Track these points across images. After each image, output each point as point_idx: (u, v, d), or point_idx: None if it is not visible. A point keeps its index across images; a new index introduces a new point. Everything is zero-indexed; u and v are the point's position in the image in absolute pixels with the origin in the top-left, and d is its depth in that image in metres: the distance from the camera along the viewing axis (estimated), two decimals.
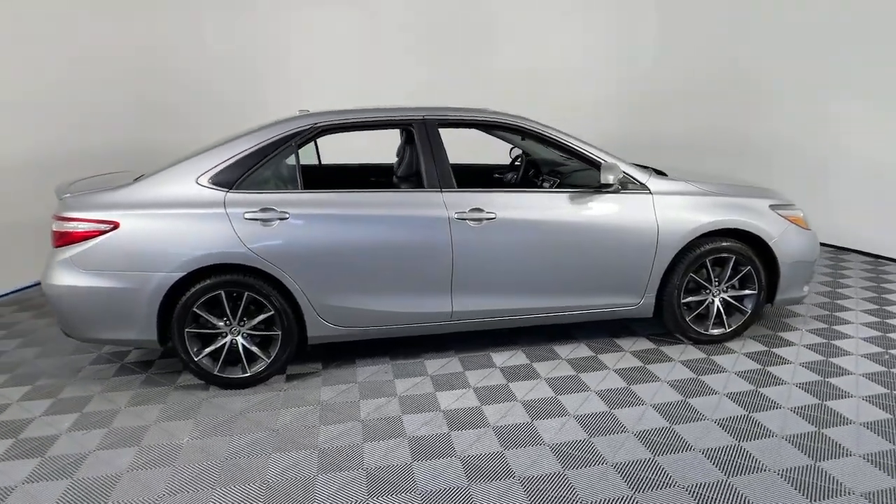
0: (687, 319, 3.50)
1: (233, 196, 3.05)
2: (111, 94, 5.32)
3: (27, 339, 3.96)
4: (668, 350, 3.52)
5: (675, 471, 2.37)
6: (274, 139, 3.16)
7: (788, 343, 3.56)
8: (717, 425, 2.69)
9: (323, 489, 2.32)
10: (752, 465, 2.40)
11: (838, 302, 4.23)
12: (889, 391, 2.94)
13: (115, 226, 2.95)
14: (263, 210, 3.03)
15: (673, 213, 3.36)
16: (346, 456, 2.53)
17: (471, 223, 3.17)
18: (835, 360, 3.31)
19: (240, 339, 3.14)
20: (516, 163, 4.46)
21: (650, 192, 3.38)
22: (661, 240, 3.34)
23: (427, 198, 3.19)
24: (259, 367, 3.16)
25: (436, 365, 3.40)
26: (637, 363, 3.36)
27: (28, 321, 4.28)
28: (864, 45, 5.23)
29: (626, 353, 3.49)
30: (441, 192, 3.20)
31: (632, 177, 3.38)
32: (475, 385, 3.15)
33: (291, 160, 3.18)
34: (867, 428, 2.63)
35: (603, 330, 3.81)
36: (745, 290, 3.54)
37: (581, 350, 3.55)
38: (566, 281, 3.34)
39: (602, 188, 3.28)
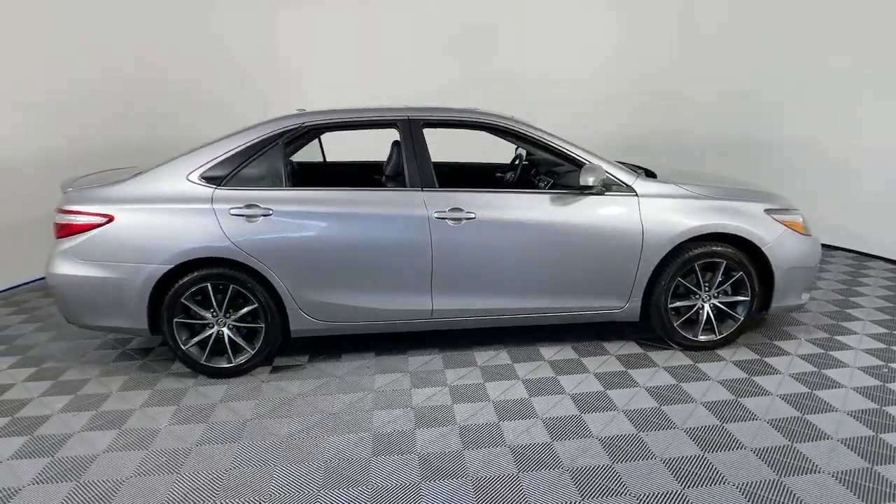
0: (675, 324, 3.43)
1: (221, 192, 3.16)
2: (126, 95, 5.56)
3: (44, 323, 4.21)
4: (655, 355, 3.45)
5: (630, 479, 2.34)
6: (262, 138, 3.25)
7: (783, 352, 3.44)
8: (686, 435, 2.64)
9: (281, 480, 2.39)
10: (714, 477, 2.34)
11: (848, 311, 4.05)
12: (878, 406, 2.81)
13: (110, 219, 3.11)
14: (248, 206, 3.13)
15: (659, 216, 3.29)
16: (308, 449, 2.61)
17: (450, 223, 3.19)
18: (828, 372, 3.18)
19: (226, 331, 3.26)
20: (516, 162, 4.43)
21: (636, 195, 3.31)
22: (647, 243, 3.28)
23: (408, 197, 3.22)
24: (243, 358, 3.28)
25: (418, 361, 3.44)
26: (619, 367, 3.31)
27: (48, 307, 4.55)
28: (887, 43, 4.96)
29: (610, 357, 3.45)
30: (422, 191, 3.23)
31: (617, 178, 3.32)
32: (452, 383, 3.18)
33: (279, 158, 3.26)
34: (844, 445, 2.53)
35: (592, 333, 3.77)
36: (737, 296, 3.44)
37: (566, 352, 3.52)
38: (547, 282, 3.32)
39: (584, 190, 3.24)
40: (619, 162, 4.15)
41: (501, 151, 4.73)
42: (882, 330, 3.71)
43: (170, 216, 3.12)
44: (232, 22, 6.13)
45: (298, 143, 3.49)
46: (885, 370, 3.18)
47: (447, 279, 3.26)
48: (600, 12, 6.70)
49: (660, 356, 3.44)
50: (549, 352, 3.53)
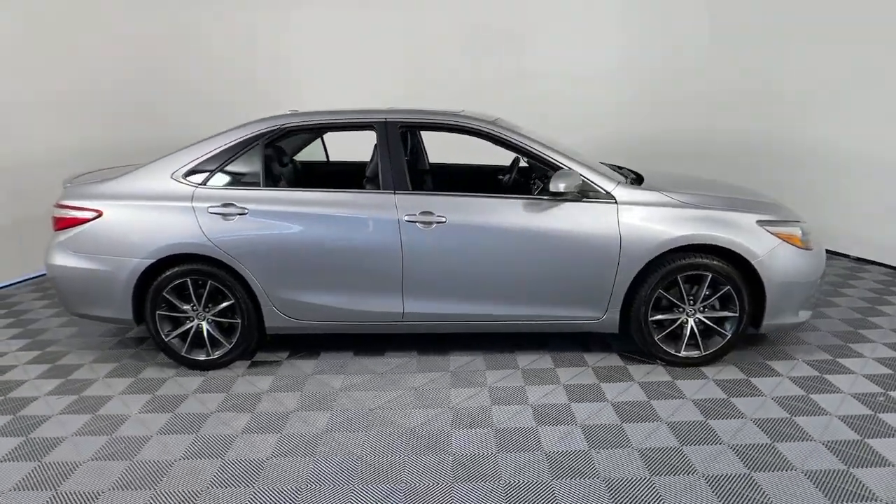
0: (656, 338, 3.29)
1: (201, 191, 3.27)
2: (124, 95, 5.81)
3: (62, 310, 4.49)
4: (634, 369, 3.32)
5: (565, 498, 2.27)
6: (242, 139, 3.34)
7: (773, 373, 3.23)
8: (640, 455, 2.53)
9: (229, 472, 2.47)
10: (655, 502, 2.23)
11: (862, 331, 3.75)
12: (859, 438, 2.60)
13: (100, 214, 3.28)
14: (225, 205, 3.23)
15: (639, 224, 3.16)
16: (257, 445, 2.67)
17: (420, 226, 3.18)
18: (816, 397, 2.96)
19: (204, 325, 3.38)
20: (515, 165, 4.36)
21: (615, 202, 3.19)
22: (624, 253, 3.15)
23: (380, 199, 3.23)
24: (220, 352, 3.39)
25: (393, 363, 3.45)
26: (593, 380, 3.20)
27: None
28: (889, 45, 4.58)
29: (587, 369, 3.34)
30: (394, 193, 3.23)
31: (596, 185, 3.21)
32: (416, 386, 3.17)
33: (258, 159, 3.34)
34: (808, 478, 2.35)
35: (576, 343, 3.66)
36: (725, 311, 3.26)
37: (542, 361, 3.44)
38: (521, 290, 3.25)
39: (555, 196, 3.16)
40: (614, 166, 4.04)
41: (505, 154, 4.67)
42: (894, 354, 3.42)
43: (153, 213, 3.26)
44: (245, 22, 6.32)
45: (278, 144, 3.55)
46: (882, 398, 2.93)
47: (418, 283, 3.25)
48: (618, 9, 6.49)
49: (639, 370, 3.31)
50: (526, 360, 3.46)
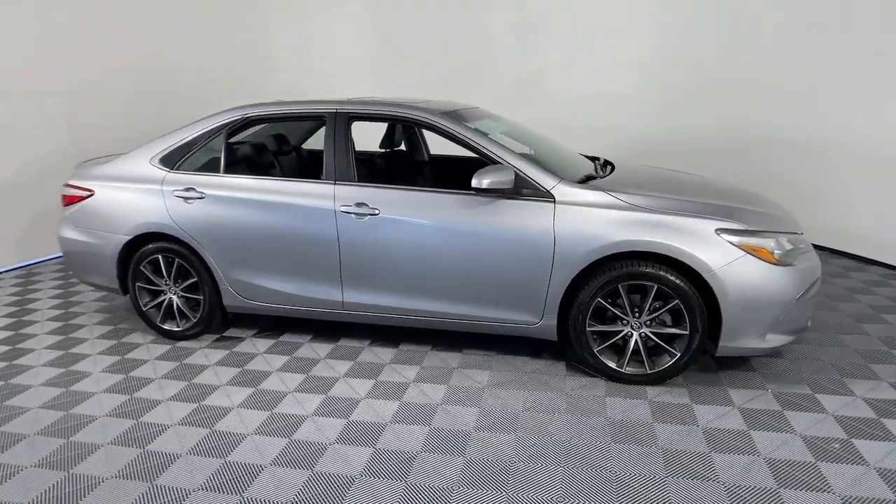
0: (594, 349, 3.05)
1: (171, 176, 3.56)
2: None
3: None
4: (572, 380, 3.10)
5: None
6: (210, 128, 3.57)
7: (724, 402, 2.86)
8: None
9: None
10: None
11: (875, 366, 3.18)
12: (776, 487, 2.24)
13: (92, 193, 3.69)
14: (187, 189, 3.49)
15: (576, 226, 2.93)
16: (170, 413, 2.89)
17: (354, 217, 3.21)
18: (757, 434, 2.58)
19: (175, 298, 3.68)
20: None
21: (553, 201, 2.98)
22: (559, 256, 2.95)
23: (321, 189, 3.30)
24: (188, 324, 3.68)
25: (325, 349, 3.52)
26: (508, 390, 3.03)
27: None
28: None
29: (523, 373, 3.19)
30: (335, 184, 3.29)
31: (534, 181, 3.02)
32: (311, 373, 3.23)
33: (220, 147, 3.54)
34: None
35: (527, 348, 3.49)
36: (677, 328, 2.93)
37: (473, 360, 3.33)
38: (454, 287, 3.17)
39: (492, 192, 3.01)
40: (592, 157, 3.81)
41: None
42: (892, 396, 2.87)
43: (132, 194, 3.60)
44: (243, 18, 6.63)
45: (241, 132, 3.70)
46: (836, 446, 2.49)
47: (355, 273, 3.29)
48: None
49: (573, 382, 3.09)
50: (456, 360, 3.36)
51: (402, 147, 4.56)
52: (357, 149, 3.31)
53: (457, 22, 6.69)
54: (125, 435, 2.69)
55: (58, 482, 2.38)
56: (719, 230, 2.82)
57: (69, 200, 3.79)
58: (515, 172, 3.00)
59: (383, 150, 4.33)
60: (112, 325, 4.00)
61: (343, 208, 3.22)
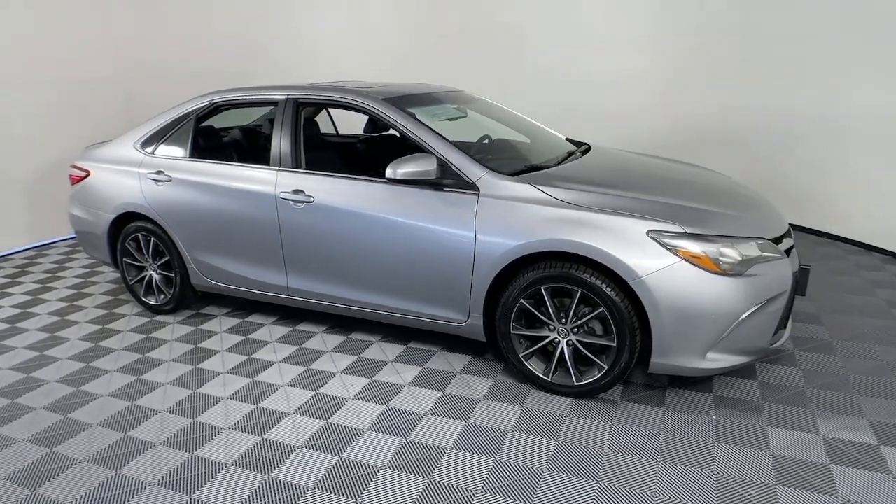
0: (519, 355, 2.83)
1: (148, 159, 3.75)
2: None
3: None
4: (494, 384, 2.91)
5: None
6: (182, 114, 3.72)
7: (645, 422, 2.54)
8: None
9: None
10: None
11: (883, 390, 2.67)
12: None
13: (88, 174, 3.99)
14: (157, 172, 3.66)
15: (498, 222, 2.71)
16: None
17: (292, 204, 3.20)
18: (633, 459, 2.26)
19: (154, 275, 3.91)
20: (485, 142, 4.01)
21: (477, 193, 2.78)
22: (479, 252, 2.75)
23: (265, 175, 3.32)
24: (164, 299, 3.90)
25: (276, 332, 3.57)
26: (416, 389, 2.89)
27: None
28: None
29: (454, 375, 3.04)
30: (278, 170, 3.29)
31: (460, 171, 2.83)
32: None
33: (189, 132, 3.68)
34: None
35: (471, 347, 3.31)
36: (604, 339, 2.64)
37: (393, 353, 3.22)
38: (383, 279, 3.07)
39: (410, 183, 2.87)
40: (574, 140, 3.56)
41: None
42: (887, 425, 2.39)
43: (118, 175, 3.85)
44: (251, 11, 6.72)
45: (209, 118, 3.79)
46: (753, 492, 2.11)
47: (296, 259, 3.30)
48: None
49: (481, 385, 2.89)
50: (388, 351, 3.26)
51: (393, 133, 4.47)
52: (344, 133, 3.30)
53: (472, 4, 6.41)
54: (58, 402, 2.91)
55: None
56: (652, 232, 2.48)
57: (74, 180, 4.12)
58: (440, 161, 2.83)
59: (367, 136, 4.28)
60: (110, 297, 4.33)
61: (282, 195, 3.23)
